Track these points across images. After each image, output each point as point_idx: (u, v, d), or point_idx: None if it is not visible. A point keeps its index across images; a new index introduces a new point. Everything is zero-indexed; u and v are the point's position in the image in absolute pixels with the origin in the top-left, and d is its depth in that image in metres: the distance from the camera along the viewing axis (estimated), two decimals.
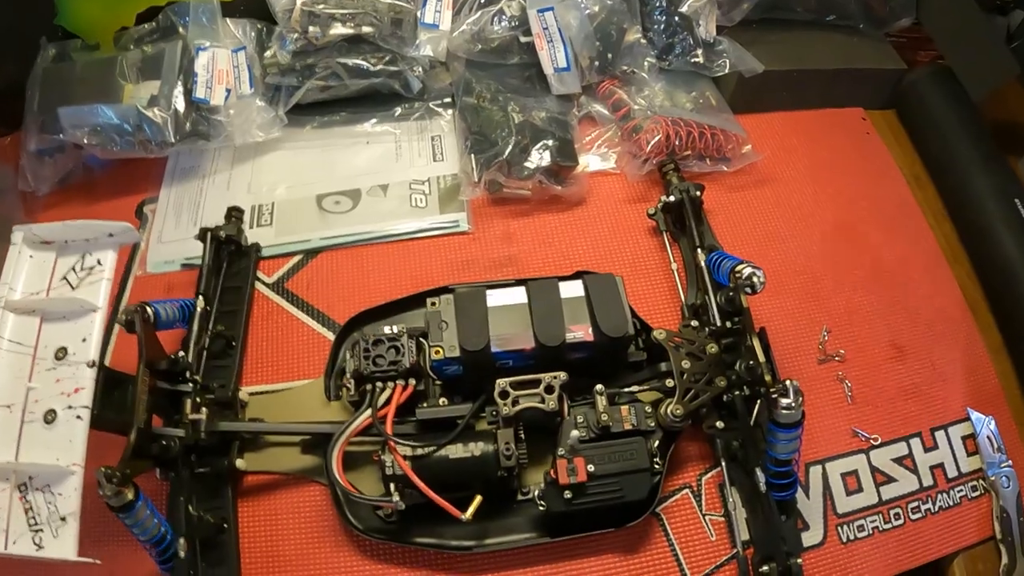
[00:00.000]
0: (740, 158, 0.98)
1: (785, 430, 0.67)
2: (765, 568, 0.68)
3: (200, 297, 0.79)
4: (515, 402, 0.70)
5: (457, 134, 1.00)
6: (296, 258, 0.90)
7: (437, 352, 0.72)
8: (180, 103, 0.91)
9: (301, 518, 0.74)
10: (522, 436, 0.71)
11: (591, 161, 0.98)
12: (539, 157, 0.90)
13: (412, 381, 0.72)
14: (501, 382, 0.70)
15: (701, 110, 0.98)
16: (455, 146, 1.00)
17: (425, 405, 0.74)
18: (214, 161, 0.99)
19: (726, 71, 0.99)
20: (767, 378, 0.69)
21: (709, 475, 0.78)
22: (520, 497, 0.74)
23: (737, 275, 0.73)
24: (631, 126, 0.96)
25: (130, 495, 0.60)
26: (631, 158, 0.96)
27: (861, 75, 1.05)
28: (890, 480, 0.78)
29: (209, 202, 0.95)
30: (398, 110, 1.04)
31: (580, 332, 0.73)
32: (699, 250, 0.83)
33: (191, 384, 0.72)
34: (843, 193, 1.00)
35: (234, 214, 0.89)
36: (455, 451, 0.69)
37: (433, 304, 0.75)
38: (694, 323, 0.79)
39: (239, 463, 0.74)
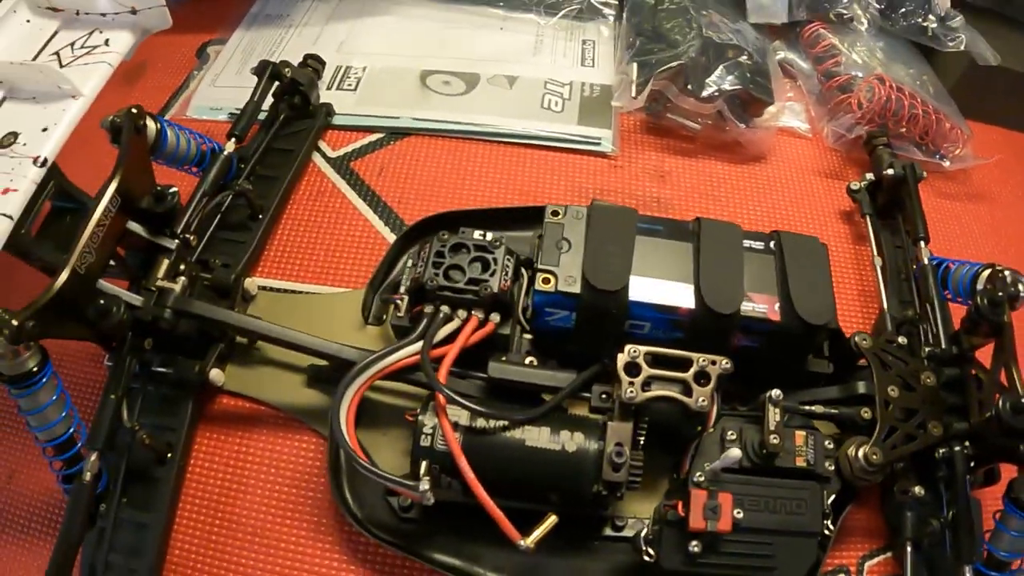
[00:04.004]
0: (959, 159, 0.74)
1: None
2: None
3: (232, 139, 0.59)
4: (647, 384, 0.45)
5: (620, 37, 0.78)
6: (375, 136, 0.71)
7: (546, 281, 0.48)
8: None
9: (278, 475, 0.52)
10: (642, 440, 0.46)
11: (783, 114, 0.74)
12: (728, 77, 0.67)
13: (495, 317, 0.49)
14: (633, 349, 0.46)
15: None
16: (611, 56, 0.80)
17: (504, 359, 0.50)
18: (307, 13, 0.84)
19: (961, 48, 0.77)
20: None
21: (876, 560, 0.53)
22: (610, 532, 0.49)
23: (993, 280, 0.50)
24: (840, 82, 0.73)
25: (32, 363, 0.38)
26: (834, 118, 0.72)
27: None
28: None
29: (287, 54, 0.76)
30: None
31: (763, 306, 0.48)
32: (921, 244, 0.59)
33: (176, 241, 0.51)
34: None
35: (311, 62, 0.72)
36: (537, 437, 0.44)
37: (556, 214, 0.52)
38: (901, 340, 0.53)
39: (214, 374, 0.52)
